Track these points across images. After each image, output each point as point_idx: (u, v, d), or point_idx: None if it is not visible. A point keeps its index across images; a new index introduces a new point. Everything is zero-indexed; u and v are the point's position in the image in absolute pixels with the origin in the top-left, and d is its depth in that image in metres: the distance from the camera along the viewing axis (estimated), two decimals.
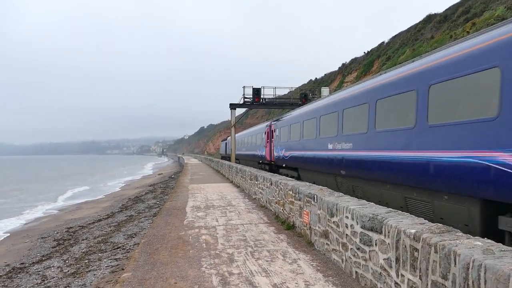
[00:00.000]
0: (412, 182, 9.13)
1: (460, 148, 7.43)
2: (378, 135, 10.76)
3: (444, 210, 8.25)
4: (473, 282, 3.19)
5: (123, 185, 45.90)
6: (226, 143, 61.09)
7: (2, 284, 9.65)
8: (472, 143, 7.15)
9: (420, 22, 48.05)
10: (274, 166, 25.98)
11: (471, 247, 3.47)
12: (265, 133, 28.19)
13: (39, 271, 10.35)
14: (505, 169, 6.41)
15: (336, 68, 71.13)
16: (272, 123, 26.23)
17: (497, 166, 6.57)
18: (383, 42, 56.83)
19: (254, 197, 15.81)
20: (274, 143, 24.86)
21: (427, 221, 4.76)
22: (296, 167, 20.08)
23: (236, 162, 34.80)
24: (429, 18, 46.11)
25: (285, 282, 5.74)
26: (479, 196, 7.10)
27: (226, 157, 54.51)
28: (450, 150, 7.70)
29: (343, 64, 67.89)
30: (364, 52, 61.16)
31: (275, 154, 24.32)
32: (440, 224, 4.43)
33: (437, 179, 8.13)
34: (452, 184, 7.68)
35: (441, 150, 7.97)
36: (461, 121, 7.46)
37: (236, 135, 39.02)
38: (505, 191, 6.44)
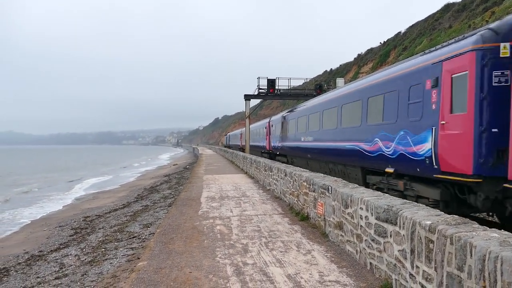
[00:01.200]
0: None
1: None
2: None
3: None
4: (489, 274, 3.16)
5: (139, 175, 46.32)
6: (226, 137, 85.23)
7: (22, 271, 9.87)
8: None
9: (438, 11, 47.17)
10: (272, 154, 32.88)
11: (488, 239, 3.43)
12: (265, 128, 35.06)
13: (57, 259, 10.54)
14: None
15: (351, 59, 70.42)
16: (270, 120, 33.45)
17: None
18: (399, 32, 55.98)
19: (268, 188, 15.84)
20: (271, 136, 32.11)
21: (442, 212, 4.72)
22: (285, 154, 27.46)
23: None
24: (447, 7, 45.23)
25: (299, 273, 5.76)
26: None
27: (227, 147, 73.24)
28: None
29: (358, 55, 67.14)
30: (380, 43, 60.38)
31: (272, 144, 31.76)
32: (456, 216, 4.39)
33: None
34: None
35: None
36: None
37: (244, 128, 39.93)
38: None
